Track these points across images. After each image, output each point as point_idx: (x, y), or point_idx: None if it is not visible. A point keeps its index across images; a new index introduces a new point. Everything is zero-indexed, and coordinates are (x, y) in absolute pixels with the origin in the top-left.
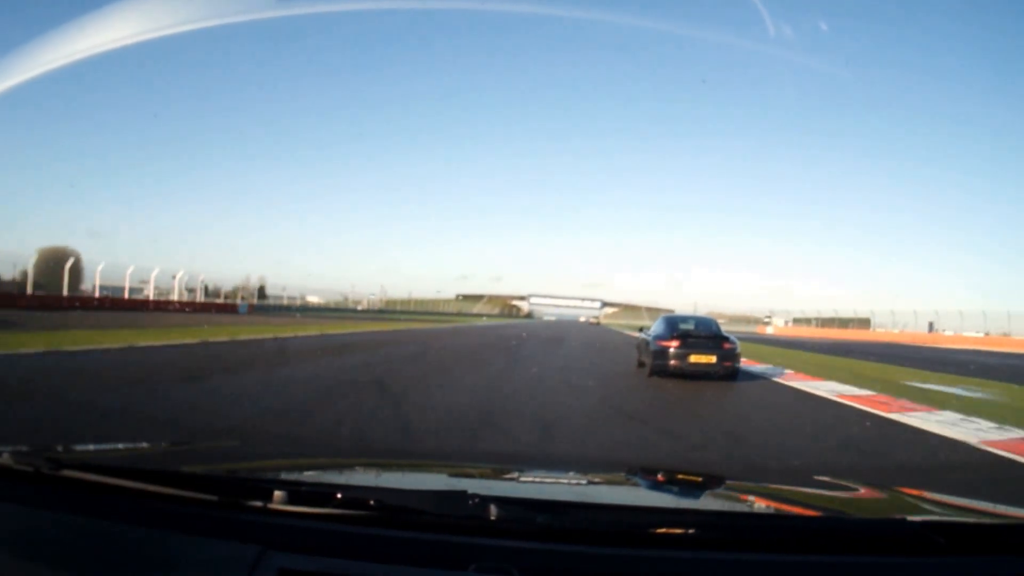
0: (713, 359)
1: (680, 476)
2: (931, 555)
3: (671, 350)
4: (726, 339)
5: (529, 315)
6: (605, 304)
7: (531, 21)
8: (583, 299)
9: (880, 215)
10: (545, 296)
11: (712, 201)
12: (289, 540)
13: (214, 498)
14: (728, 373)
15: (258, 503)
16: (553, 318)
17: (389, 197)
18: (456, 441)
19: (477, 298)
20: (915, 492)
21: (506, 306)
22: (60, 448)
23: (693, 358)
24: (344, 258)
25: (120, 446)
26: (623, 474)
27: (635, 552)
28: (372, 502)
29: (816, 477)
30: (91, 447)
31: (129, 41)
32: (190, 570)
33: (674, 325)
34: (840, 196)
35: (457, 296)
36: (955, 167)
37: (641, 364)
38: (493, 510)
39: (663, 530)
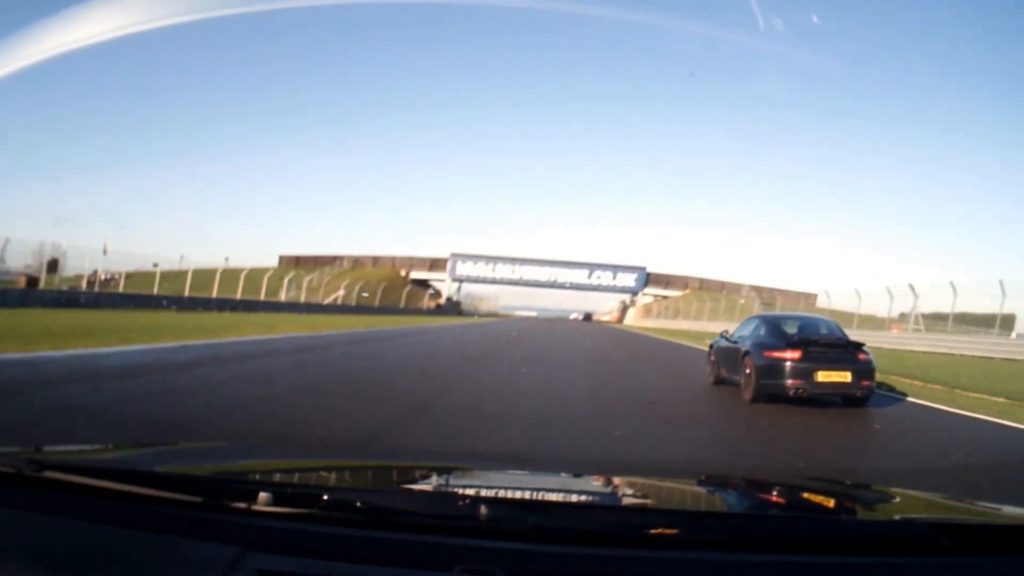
0: (847, 376)
1: (674, 476)
2: (937, 556)
3: (789, 364)
4: (859, 347)
5: (456, 307)
6: (649, 279)
7: (515, 14)
8: (593, 266)
9: (882, 205)
10: (487, 259)
11: (698, 195)
12: (270, 541)
13: (195, 499)
14: (865, 396)
15: (240, 504)
16: (533, 314)
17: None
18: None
19: (322, 263)
20: (920, 493)
21: (392, 281)
22: (42, 449)
23: (822, 375)
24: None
25: (104, 446)
26: (611, 474)
27: (623, 552)
28: (357, 503)
29: (820, 478)
30: (74, 448)
31: None
32: (167, 571)
33: (781, 328)
34: (835, 188)
35: (281, 260)
36: (942, 165)
37: (720, 380)
38: (479, 510)
39: (653, 530)
